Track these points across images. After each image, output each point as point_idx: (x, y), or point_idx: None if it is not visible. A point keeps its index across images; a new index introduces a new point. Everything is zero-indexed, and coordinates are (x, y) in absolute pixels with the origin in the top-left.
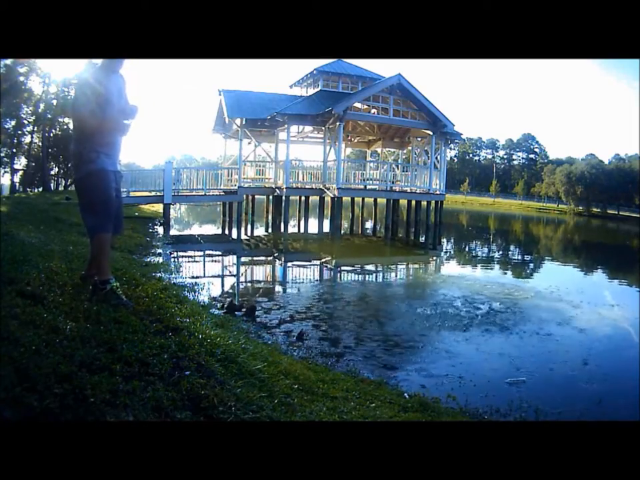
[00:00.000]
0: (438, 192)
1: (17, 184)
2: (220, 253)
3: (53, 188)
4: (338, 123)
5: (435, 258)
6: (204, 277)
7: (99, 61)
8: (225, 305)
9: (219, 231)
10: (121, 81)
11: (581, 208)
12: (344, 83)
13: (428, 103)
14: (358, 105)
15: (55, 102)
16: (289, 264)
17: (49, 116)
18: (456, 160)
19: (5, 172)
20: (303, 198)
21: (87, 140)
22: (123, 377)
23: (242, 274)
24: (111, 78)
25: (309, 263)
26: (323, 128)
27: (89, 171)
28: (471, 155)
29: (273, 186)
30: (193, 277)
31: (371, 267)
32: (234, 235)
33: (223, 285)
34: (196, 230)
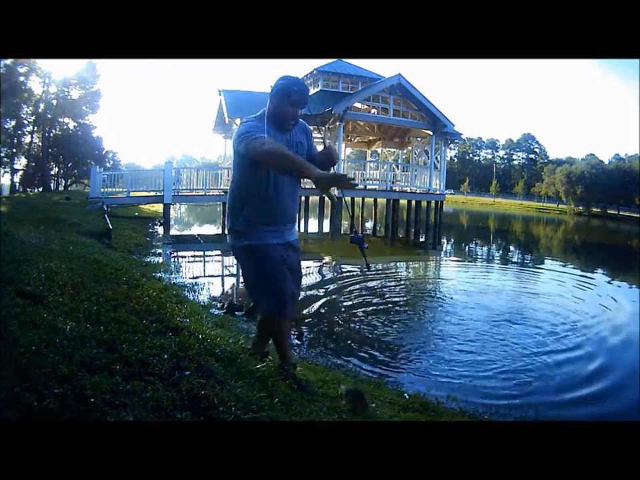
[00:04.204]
0: (438, 192)
1: (17, 184)
2: (220, 253)
3: (52, 188)
4: (338, 123)
5: (435, 257)
6: (204, 276)
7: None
8: (225, 305)
9: (219, 231)
10: (297, 136)
11: (581, 208)
12: (344, 82)
13: (428, 103)
14: (358, 104)
15: (54, 102)
16: None
17: (49, 116)
18: (456, 160)
19: (5, 172)
20: (303, 198)
21: (242, 205)
22: (123, 377)
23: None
24: (282, 136)
25: (309, 263)
26: (323, 128)
27: (243, 246)
28: (470, 155)
29: None
30: (192, 277)
31: (370, 266)
32: None
33: (223, 285)
34: (196, 230)
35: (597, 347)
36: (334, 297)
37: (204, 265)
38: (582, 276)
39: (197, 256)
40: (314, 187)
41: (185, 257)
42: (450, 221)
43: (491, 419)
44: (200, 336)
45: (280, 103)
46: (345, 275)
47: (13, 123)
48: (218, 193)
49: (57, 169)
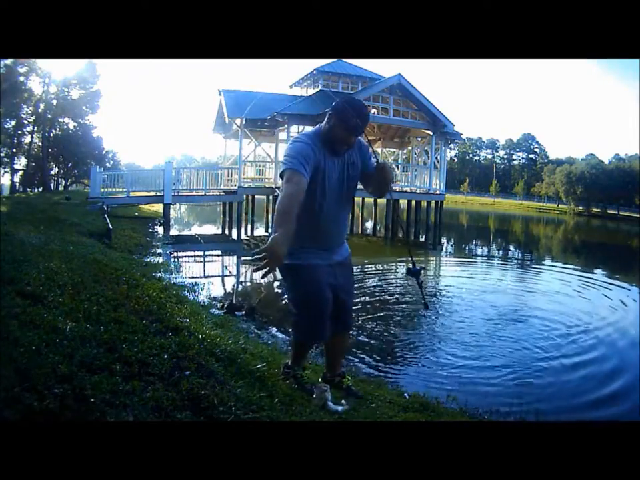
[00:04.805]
0: (438, 192)
1: (17, 184)
2: (220, 253)
3: (52, 188)
4: None
5: (435, 257)
6: (204, 277)
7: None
8: (225, 305)
9: (219, 231)
10: (350, 156)
11: (581, 208)
12: (344, 83)
13: (428, 103)
14: None
15: (54, 102)
16: None
17: (49, 116)
18: (456, 160)
19: (5, 172)
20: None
21: None
22: (123, 377)
23: (242, 274)
24: (335, 158)
25: None
26: None
27: (287, 265)
28: (470, 155)
29: (273, 186)
30: (192, 277)
31: (370, 266)
32: (234, 235)
33: (223, 285)
34: (196, 230)
35: (608, 347)
36: None
37: (204, 265)
38: (583, 275)
39: (197, 256)
40: None
41: (185, 257)
42: (450, 220)
43: (491, 419)
44: (200, 336)
45: (336, 125)
46: None
47: (13, 122)
48: (218, 193)
49: (57, 169)
